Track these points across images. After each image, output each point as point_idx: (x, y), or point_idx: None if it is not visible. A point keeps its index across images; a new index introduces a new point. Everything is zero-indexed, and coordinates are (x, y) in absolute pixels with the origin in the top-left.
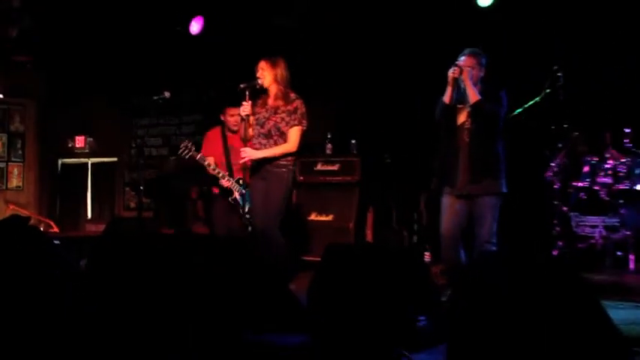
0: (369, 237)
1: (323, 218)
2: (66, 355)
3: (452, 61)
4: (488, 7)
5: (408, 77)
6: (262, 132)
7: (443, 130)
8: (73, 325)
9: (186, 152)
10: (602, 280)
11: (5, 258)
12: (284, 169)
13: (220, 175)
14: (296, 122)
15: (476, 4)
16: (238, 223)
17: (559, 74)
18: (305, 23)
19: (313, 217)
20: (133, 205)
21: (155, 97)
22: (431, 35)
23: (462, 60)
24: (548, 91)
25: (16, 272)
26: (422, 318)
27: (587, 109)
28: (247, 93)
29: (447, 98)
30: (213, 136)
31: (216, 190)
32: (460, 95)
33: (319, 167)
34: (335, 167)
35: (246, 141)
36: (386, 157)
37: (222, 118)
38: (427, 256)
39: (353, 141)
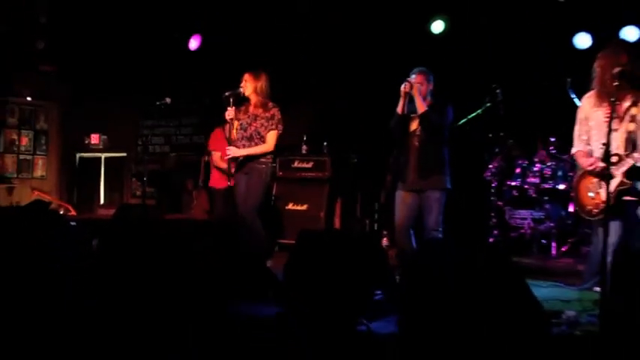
0: (337, 224)
1: (298, 208)
2: (66, 346)
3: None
4: (440, 33)
5: (372, 91)
6: (245, 135)
7: (397, 135)
8: (73, 318)
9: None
10: (529, 263)
11: (25, 240)
12: (263, 166)
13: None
14: (273, 127)
15: (430, 31)
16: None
17: (498, 91)
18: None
19: (290, 206)
20: (138, 193)
21: (158, 102)
22: (392, 57)
23: (413, 77)
24: (488, 105)
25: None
26: (378, 293)
27: (520, 120)
28: (231, 100)
29: (399, 109)
30: (219, 133)
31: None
32: (412, 106)
33: (296, 165)
34: (309, 165)
35: (230, 141)
36: (352, 157)
37: None
38: (385, 241)
39: (325, 143)
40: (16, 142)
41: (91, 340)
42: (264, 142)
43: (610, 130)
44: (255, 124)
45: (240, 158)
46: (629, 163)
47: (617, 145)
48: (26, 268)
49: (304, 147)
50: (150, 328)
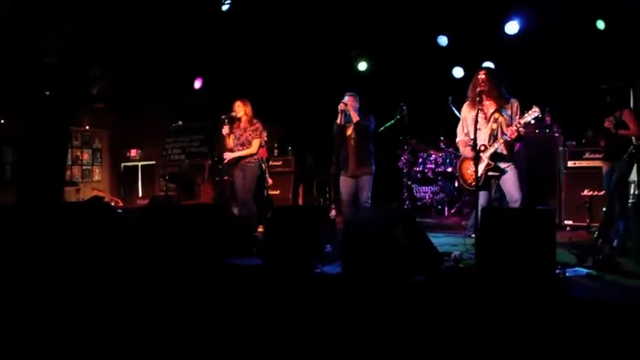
0: (300, 202)
1: (274, 192)
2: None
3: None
4: (365, 71)
5: (320, 111)
6: (239, 143)
7: (338, 139)
8: (74, 318)
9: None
10: (429, 221)
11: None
12: (253, 164)
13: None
14: (257, 136)
15: (357, 69)
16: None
17: (404, 107)
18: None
19: (269, 192)
20: (164, 188)
21: (174, 125)
22: (331, 87)
23: (346, 98)
24: (398, 117)
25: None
26: (328, 246)
27: (419, 126)
28: (226, 120)
29: (339, 121)
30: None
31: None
32: (347, 118)
33: (270, 163)
34: (279, 163)
35: (228, 149)
36: (309, 157)
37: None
38: (333, 212)
39: (289, 147)
40: (80, 157)
41: (92, 339)
42: (250, 146)
43: (476, 129)
44: (245, 135)
45: (234, 160)
46: (491, 150)
47: (484, 139)
48: (28, 268)
49: (276, 150)
50: (152, 326)
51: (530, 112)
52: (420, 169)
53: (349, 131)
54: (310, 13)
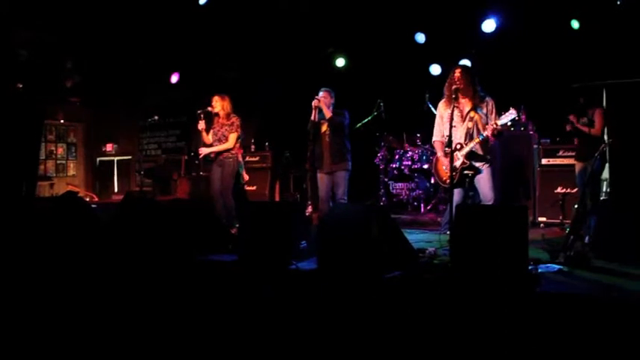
0: (277, 198)
1: (250, 188)
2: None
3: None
4: (343, 67)
5: (297, 108)
6: (216, 138)
7: (313, 135)
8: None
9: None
10: (405, 218)
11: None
12: (231, 159)
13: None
14: (233, 130)
15: (335, 65)
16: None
17: (381, 104)
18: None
19: (245, 187)
20: (140, 183)
21: (150, 119)
22: (309, 83)
23: (321, 94)
24: (375, 113)
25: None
26: (303, 242)
27: (396, 123)
28: (202, 115)
29: (313, 117)
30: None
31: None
32: (321, 115)
33: (247, 158)
34: (256, 158)
35: (204, 144)
36: (286, 153)
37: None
38: (309, 209)
39: (267, 143)
40: (54, 152)
41: (88, 339)
42: (227, 141)
43: (451, 127)
44: (222, 130)
45: (212, 155)
46: (467, 148)
47: (460, 137)
48: (22, 267)
49: (252, 146)
50: (146, 325)
51: (507, 113)
52: (397, 165)
53: (324, 128)
54: (288, 8)
